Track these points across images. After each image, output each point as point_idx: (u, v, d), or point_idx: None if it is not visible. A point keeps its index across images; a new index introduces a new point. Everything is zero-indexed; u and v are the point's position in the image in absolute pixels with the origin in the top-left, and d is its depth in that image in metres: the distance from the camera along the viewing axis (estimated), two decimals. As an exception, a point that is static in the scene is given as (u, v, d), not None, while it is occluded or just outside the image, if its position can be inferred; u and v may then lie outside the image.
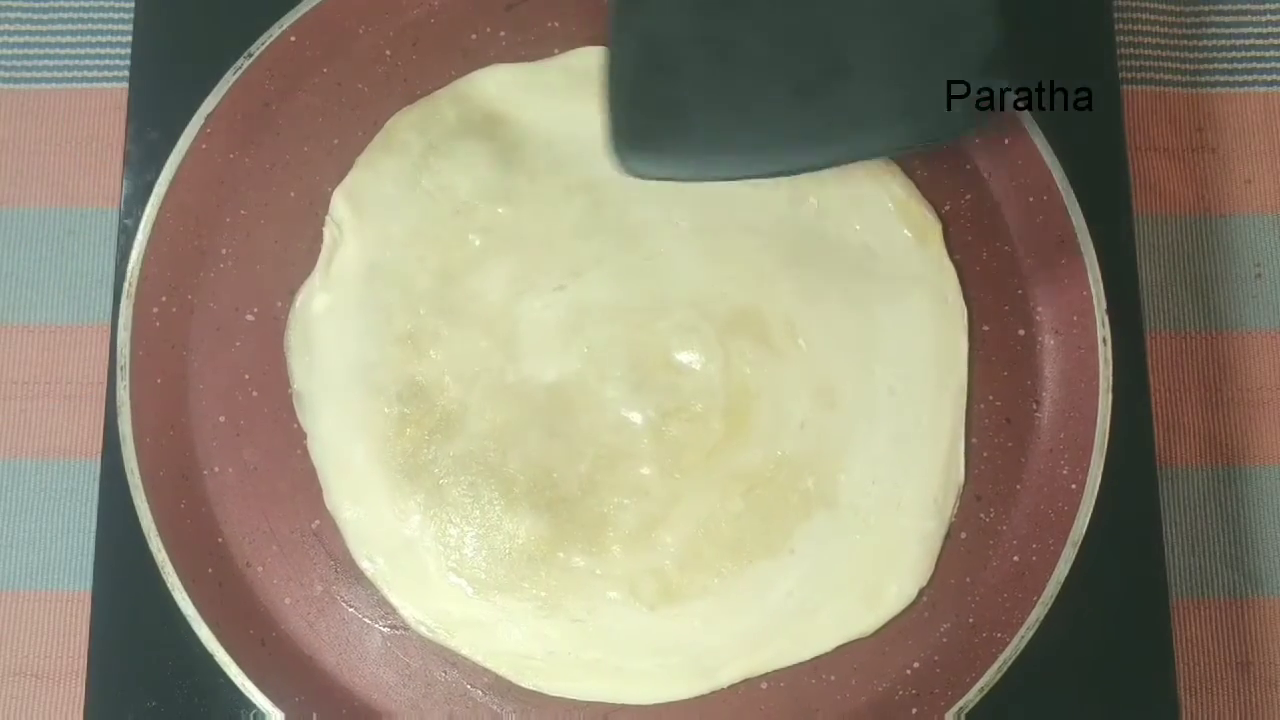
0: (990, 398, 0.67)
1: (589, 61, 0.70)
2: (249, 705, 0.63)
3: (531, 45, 0.71)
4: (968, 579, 0.65)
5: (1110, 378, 0.64)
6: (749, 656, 0.63)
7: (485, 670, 0.63)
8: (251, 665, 0.61)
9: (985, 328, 0.68)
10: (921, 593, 0.65)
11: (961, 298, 0.68)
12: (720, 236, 0.68)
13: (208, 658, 0.61)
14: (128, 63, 0.71)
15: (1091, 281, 0.65)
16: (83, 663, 0.65)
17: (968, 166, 0.70)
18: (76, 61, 0.77)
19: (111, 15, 0.78)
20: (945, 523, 0.65)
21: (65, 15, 0.78)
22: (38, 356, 0.74)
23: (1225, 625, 0.72)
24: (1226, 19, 0.80)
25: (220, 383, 0.66)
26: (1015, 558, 0.65)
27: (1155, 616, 0.66)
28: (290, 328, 0.67)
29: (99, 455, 0.66)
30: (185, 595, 0.61)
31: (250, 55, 0.67)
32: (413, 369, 0.66)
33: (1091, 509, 0.62)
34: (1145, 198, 0.77)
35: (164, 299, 0.66)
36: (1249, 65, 0.79)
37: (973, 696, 0.61)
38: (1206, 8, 0.80)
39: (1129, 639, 0.66)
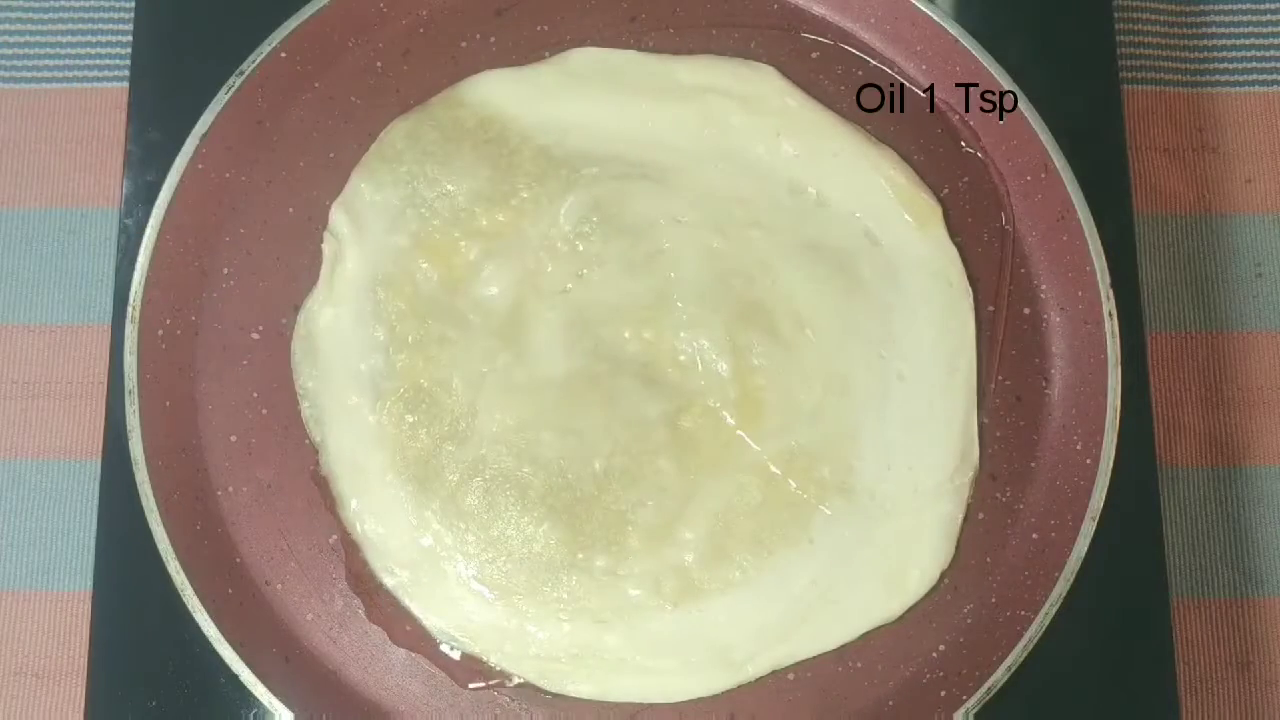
0: (1000, 377, 0.67)
1: (581, 63, 0.70)
2: (249, 704, 0.63)
3: (522, 49, 0.71)
4: (988, 559, 0.65)
5: (1118, 351, 0.64)
6: (775, 648, 0.63)
7: (511, 676, 0.63)
8: (277, 683, 0.61)
9: (990, 308, 0.68)
10: (943, 576, 0.65)
11: (965, 279, 0.68)
12: (721, 230, 0.68)
13: (208, 658, 0.61)
14: (128, 62, 0.71)
15: (1094, 256, 0.65)
16: (83, 662, 0.65)
17: (964, 149, 0.70)
18: (77, 61, 0.77)
19: (111, 15, 0.78)
20: (963, 504, 0.65)
21: (66, 15, 0.78)
22: (38, 356, 0.74)
23: (1225, 625, 0.72)
24: (1227, 19, 0.80)
25: (229, 402, 0.66)
26: (1034, 535, 0.65)
27: (1155, 616, 0.66)
28: (296, 343, 0.67)
29: (99, 455, 0.66)
30: (206, 616, 0.61)
31: (241, 73, 0.67)
32: (421, 376, 0.66)
33: (1108, 483, 0.62)
34: (1146, 197, 0.77)
35: (168, 322, 0.66)
36: (1250, 65, 0.79)
37: (984, 693, 0.61)
38: (1207, 7, 0.80)
39: (1129, 638, 0.66)
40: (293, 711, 0.61)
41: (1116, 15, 0.73)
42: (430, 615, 0.64)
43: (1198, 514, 0.74)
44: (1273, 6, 0.80)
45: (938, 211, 0.69)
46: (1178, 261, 0.77)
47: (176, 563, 0.61)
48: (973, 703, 0.61)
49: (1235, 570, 0.73)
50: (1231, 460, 0.74)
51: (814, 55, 0.71)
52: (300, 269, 0.68)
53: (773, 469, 0.65)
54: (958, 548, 0.65)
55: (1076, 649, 0.65)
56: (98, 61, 0.77)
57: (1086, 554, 0.62)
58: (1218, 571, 0.73)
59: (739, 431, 0.65)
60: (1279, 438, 0.75)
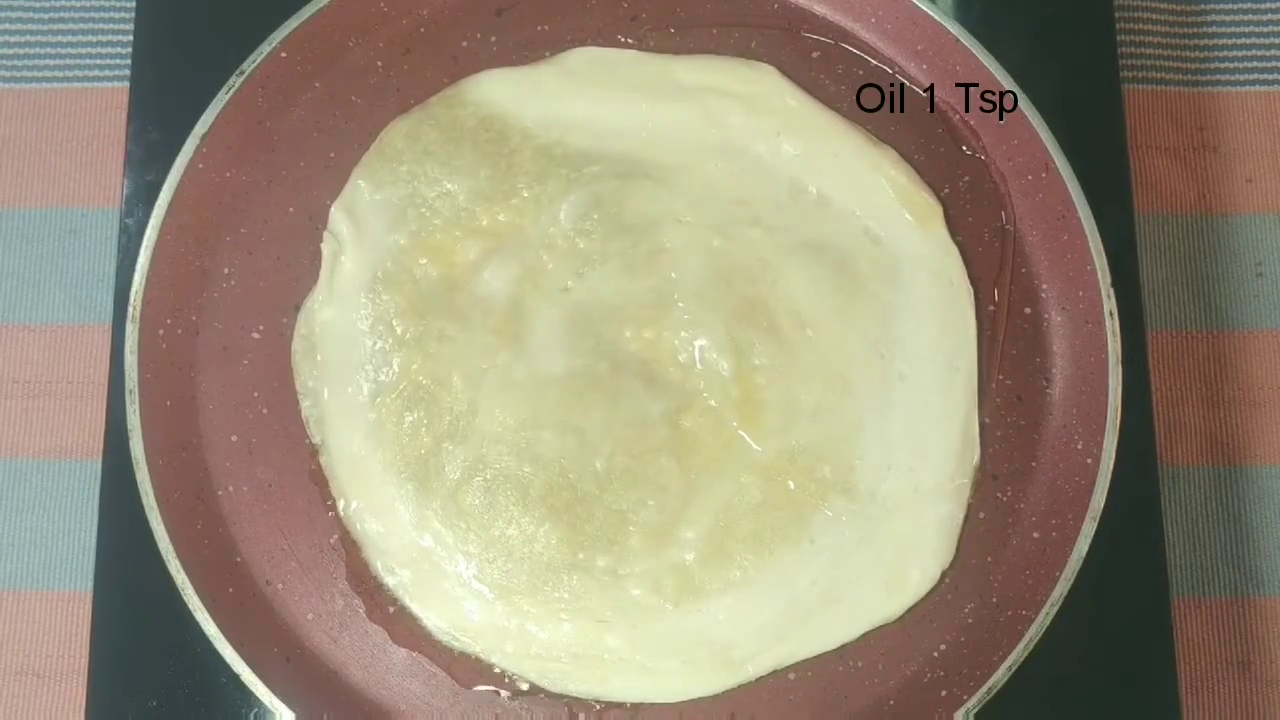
0: (1000, 377, 0.67)
1: (581, 63, 0.70)
2: (250, 704, 0.63)
3: (522, 49, 0.71)
4: (989, 559, 0.65)
5: (1119, 350, 0.64)
6: (775, 648, 0.63)
7: (512, 675, 0.63)
8: (277, 682, 0.61)
9: (991, 307, 0.68)
10: (944, 575, 0.65)
11: (966, 278, 0.68)
12: (722, 229, 0.68)
13: (208, 657, 0.61)
14: (128, 62, 0.71)
15: (1095, 255, 0.65)
16: (84, 662, 0.65)
17: (965, 149, 0.70)
18: (77, 61, 0.77)
19: (112, 15, 0.78)
20: (963, 504, 0.65)
21: (66, 15, 0.78)
22: (38, 356, 0.74)
23: (1226, 624, 0.72)
24: (1227, 19, 0.80)
25: (230, 402, 0.66)
26: (1035, 535, 0.65)
27: (1156, 615, 0.66)
28: (296, 343, 0.67)
29: (99, 455, 0.66)
30: (207, 616, 0.61)
31: (242, 73, 0.66)
32: (421, 374, 0.66)
33: (1109, 483, 0.62)
34: (1147, 196, 0.77)
35: (169, 321, 0.66)
36: (1250, 64, 0.79)
37: (985, 692, 0.61)
38: (1208, 7, 0.80)
39: (1130, 638, 0.66)
40: (294, 711, 0.61)
41: (1117, 15, 0.73)
42: (431, 615, 0.64)
43: (1198, 513, 0.74)
44: (1273, 6, 0.80)
45: (938, 211, 0.69)
46: (1178, 261, 0.77)
47: (177, 562, 0.61)
48: (973, 702, 0.61)
49: (1236, 570, 0.73)
50: (1232, 459, 0.74)
51: (814, 55, 0.71)
52: (301, 268, 0.68)
53: (773, 469, 0.65)
54: (958, 547, 0.65)
55: (1076, 649, 0.65)
56: (98, 61, 0.77)
57: (1087, 554, 0.62)
58: (1218, 571, 0.73)
59: (740, 431, 0.65)
60: (1279, 437, 0.75)
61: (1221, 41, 0.80)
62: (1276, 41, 0.79)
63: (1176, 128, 0.78)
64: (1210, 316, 0.76)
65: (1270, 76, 0.79)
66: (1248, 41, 0.80)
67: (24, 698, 0.70)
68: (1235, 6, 0.80)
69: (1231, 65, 0.79)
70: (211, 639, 0.61)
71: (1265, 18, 0.80)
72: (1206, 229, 0.77)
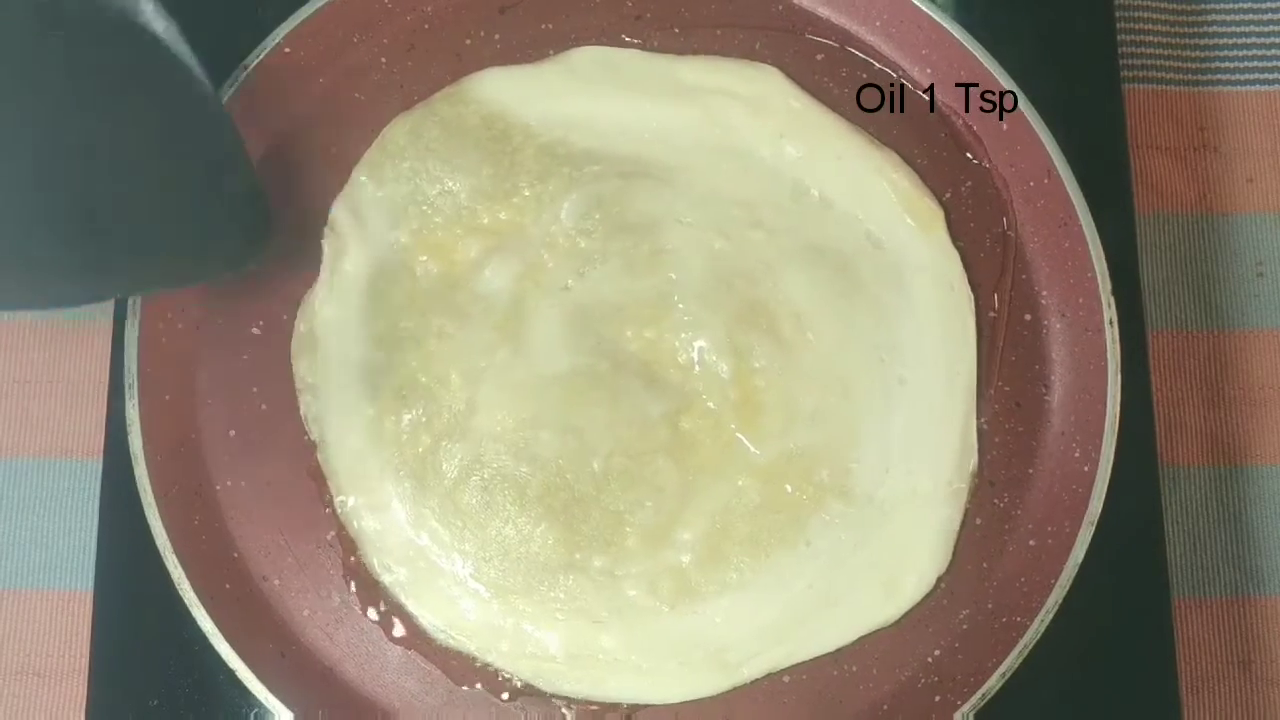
0: (999, 383, 0.67)
1: (584, 62, 0.70)
2: (250, 704, 0.63)
3: (526, 47, 0.71)
4: (985, 565, 0.65)
5: (1119, 359, 0.64)
6: (770, 651, 0.63)
7: (507, 674, 0.63)
8: (273, 678, 0.61)
9: (991, 313, 0.68)
10: (940, 581, 0.65)
11: (967, 284, 0.68)
12: (724, 231, 0.68)
13: (209, 656, 0.61)
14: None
15: (1095, 263, 0.65)
16: (85, 661, 0.65)
17: (967, 154, 0.70)
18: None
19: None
20: (961, 509, 0.65)
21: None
22: (38, 355, 0.74)
23: (1226, 624, 0.72)
24: (1228, 18, 0.80)
25: (229, 397, 0.66)
26: (1031, 542, 0.65)
27: (1157, 615, 0.66)
28: (296, 339, 0.67)
29: (99, 455, 0.66)
30: (203, 611, 0.61)
31: (245, 68, 0.66)
32: (419, 372, 0.66)
33: (1105, 490, 0.62)
34: (1147, 196, 0.77)
35: (169, 315, 0.66)
36: (1251, 64, 0.79)
37: (979, 699, 0.61)
38: (1208, 7, 0.80)
39: (1130, 637, 0.66)
40: (292, 711, 0.61)
41: (1117, 15, 0.73)
42: (426, 613, 0.64)
43: (1199, 513, 0.74)
44: (1273, 6, 0.80)
45: (940, 215, 0.68)
46: (1179, 260, 0.77)
47: (174, 557, 0.61)
48: (967, 708, 0.61)
49: (1236, 569, 0.73)
50: (1233, 459, 0.74)
51: (818, 57, 0.71)
52: (302, 265, 0.68)
53: (771, 472, 0.65)
54: (955, 553, 0.65)
55: (1077, 648, 0.65)
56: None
57: (1087, 553, 0.62)
58: (1219, 570, 0.73)
59: (738, 434, 0.65)
60: (1279, 437, 0.75)
61: (1222, 41, 0.80)
62: (1276, 41, 0.79)
63: (1177, 128, 0.78)
64: (1211, 316, 0.76)
65: (1270, 76, 0.79)
66: (1248, 41, 0.80)
67: (24, 698, 0.70)
68: (1235, 6, 0.80)
69: (1232, 65, 0.79)
70: (208, 634, 0.61)
71: (1265, 18, 0.80)
72: (1207, 229, 0.77)
